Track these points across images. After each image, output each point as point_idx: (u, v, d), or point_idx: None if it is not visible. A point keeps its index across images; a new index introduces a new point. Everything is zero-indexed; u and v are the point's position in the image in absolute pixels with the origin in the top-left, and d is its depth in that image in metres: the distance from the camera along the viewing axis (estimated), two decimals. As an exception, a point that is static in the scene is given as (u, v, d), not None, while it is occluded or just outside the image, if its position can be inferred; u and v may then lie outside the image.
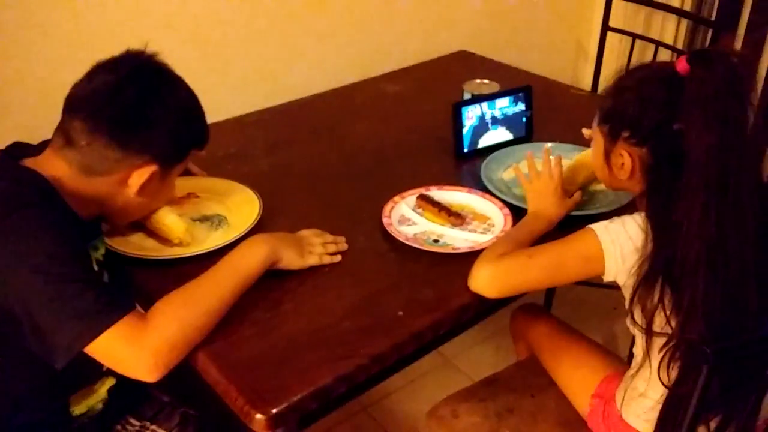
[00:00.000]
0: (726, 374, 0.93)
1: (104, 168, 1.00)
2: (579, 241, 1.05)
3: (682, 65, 0.97)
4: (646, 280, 0.99)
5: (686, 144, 0.94)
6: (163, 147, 1.03)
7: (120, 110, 0.98)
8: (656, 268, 0.98)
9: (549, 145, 1.43)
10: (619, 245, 1.02)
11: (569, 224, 1.21)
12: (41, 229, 0.91)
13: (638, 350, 1.11)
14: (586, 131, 1.20)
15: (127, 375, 0.93)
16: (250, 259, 1.05)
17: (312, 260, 1.13)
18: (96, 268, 1.03)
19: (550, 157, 1.27)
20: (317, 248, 1.15)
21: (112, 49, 1.02)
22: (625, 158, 1.04)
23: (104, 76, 1.00)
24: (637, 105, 1.01)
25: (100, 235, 1.12)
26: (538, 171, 1.27)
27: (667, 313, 0.98)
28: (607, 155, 1.07)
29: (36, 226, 0.91)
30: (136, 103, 0.99)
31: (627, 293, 1.05)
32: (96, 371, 1.06)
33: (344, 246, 1.19)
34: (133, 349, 0.90)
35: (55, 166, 0.99)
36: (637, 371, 1.10)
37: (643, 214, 1.03)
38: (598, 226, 1.04)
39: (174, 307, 0.95)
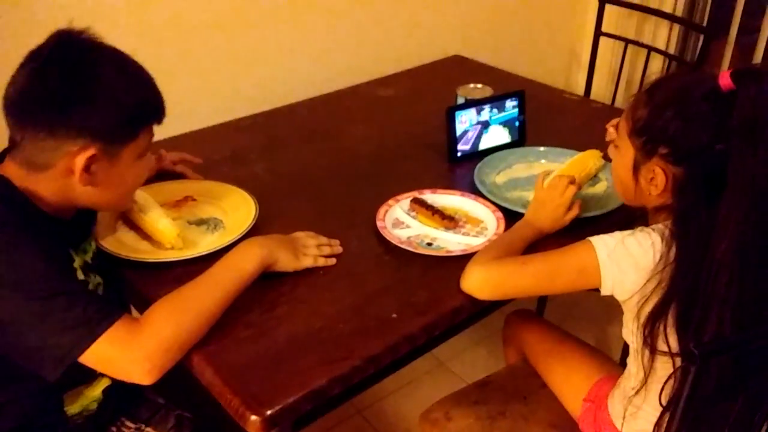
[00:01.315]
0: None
1: (44, 161, 0.94)
2: (575, 253, 1.04)
3: (725, 81, 0.93)
4: (663, 303, 0.96)
5: (730, 167, 0.91)
6: (97, 126, 0.94)
7: (42, 95, 0.92)
8: (676, 292, 0.95)
9: (543, 161, 1.46)
10: (617, 261, 1.00)
11: (564, 228, 1.23)
12: (18, 248, 0.89)
13: (634, 364, 1.09)
14: (611, 132, 1.14)
15: (123, 379, 0.94)
16: (245, 262, 1.05)
17: (307, 262, 1.14)
18: (83, 272, 1.03)
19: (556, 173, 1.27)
20: (312, 250, 1.16)
21: (113, 43, 1.02)
22: (659, 175, 1.00)
23: (29, 65, 0.94)
24: (679, 122, 0.96)
25: (89, 237, 1.11)
26: (558, 182, 1.24)
27: (680, 339, 0.96)
28: (637, 168, 1.03)
29: (12, 244, 0.89)
30: (59, 84, 0.92)
31: (629, 309, 1.04)
32: (91, 371, 1.06)
33: (339, 249, 1.20)
34: (128, 353, 0.91)
35: (12, 172, 0.96)
36: (638, 392, 1.08)
37: (647, 230, 1.01)
38: (596, 240, 1.02)
39: (169, 310, 0.96)
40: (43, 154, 0.94)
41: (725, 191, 0.92)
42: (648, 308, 0.99)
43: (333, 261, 1.17)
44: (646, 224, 1.06)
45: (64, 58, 0.93)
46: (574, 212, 1.23)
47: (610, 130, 1.16)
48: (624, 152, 1.06)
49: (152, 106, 1.01)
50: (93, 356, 0.90)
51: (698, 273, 0.93)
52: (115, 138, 0.96)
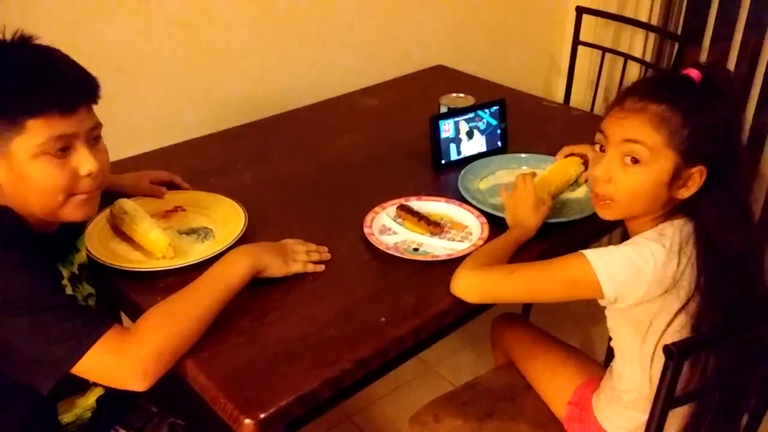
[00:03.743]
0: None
1: None
2: (566, 264, 1.06)
3: (695, 73, 1.02)
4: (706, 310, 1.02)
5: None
6: None
7: None
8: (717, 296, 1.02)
9: (524, 167, 1.51)
10: (618, 273, 1.02)
11: (546, 231, 1.26)
12: (4, 266, 0.90)
13: (627, 367, 1.13)
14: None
15: (117, 387, 0.96)
16: (234, 270, 1.07)
17: (296, 267, 1.15)
18: (71, 285, 1.04)
19: (523, 172, 1.33)
20: (301, 255, 1.17)
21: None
22: (696, 177, 1.02)
23: None
24: (722, 125, 1.02)
25: (72, 250, 1.12)
26: (517, 181, 1.30)
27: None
28: (676, 176, 1.02)
29: (2, 269, 0.90)
30: None
31: (625, 315, 1.08)
32: (84, 381, 1.08)
33: (327, 255, 1.22)
34: (121, 361, 0.93)
35: None
36: (632, 391, 1.12)
37: (640, 241, 1.04)
38: (590, 254, 1.04)
39: (159, 318, 0.98)
40: None
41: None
42: (662, 313, 1.03)
43: (321, 267, 1.19)
44: (623, 230, 1.11)
45: None
46: (549, 201, 1.30)
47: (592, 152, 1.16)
48: (658, 166, 1.02)
49: (25, 94, 0.91)
50: (85, 367, 0.91)
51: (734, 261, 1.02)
52: None
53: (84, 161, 0.96)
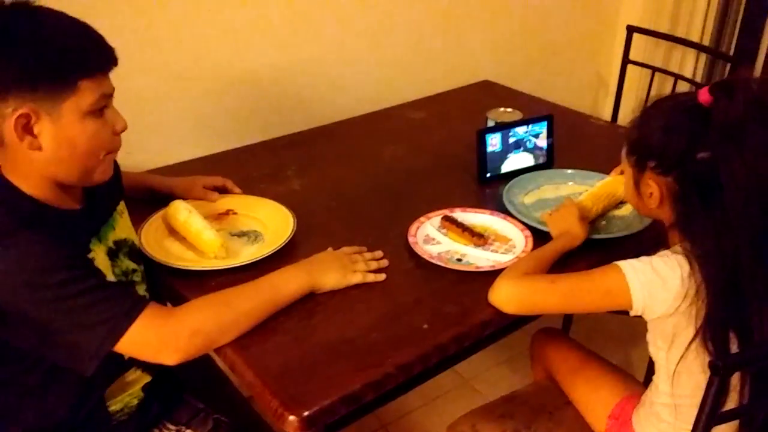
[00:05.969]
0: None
1: None
2: (603, 275, 1.07)
3: (704, 96, 1.00)
4: (711, 318, 0.99)
5: (722, 172, 0.96)
6: (19, 80, 0.90)
7: None
8: (716, 303, 0.99)
9: (570, 183, 1.52)
10: (646, 283, 1.03)
11: (589, 247, 1.27)
12: (36, 252, 0.91)
13: (663, 381, 1.12)
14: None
15: (149, 360, 1.00)
16: (290, 284, 1.11)
17: (355, 279, 1.18)
18: (108, 258, 1.06)
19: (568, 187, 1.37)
20: (360, 265, 1.20)
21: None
22: (653, 188, 1.07)
23: None
24: (661, 135, 1.03)
25: (106, 222, 1.11)
26: (557, 206, 1.33)
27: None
28: (637, 185, 1.10)
29: (29, 250, 0.91)
30: None
31: (657, 327, 1.08)
32: (121, 360, 1.10)
33: (385, 262, 1.23)
34: (156, 334, 0.97)
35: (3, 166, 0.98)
36: (666, 405, 1.12)
37: (670, 253, 1.04)
38: (624, 264, 1.05)
39: (206, 302, 1.03)
40: None
41: (723, 195, 0.97)
42: (687, 327, 1.02)
43: (383, 276, 1.20)
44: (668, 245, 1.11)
45: None
46: (590, 218, 1.32)
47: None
48: (626, 172, 1.13)
49: (81, 54, 0.94)
50: (125, 344, 0.95)
51: (725, 275, 0.98)
52: (46, 92, 0.91)
53: (118, 118, 1.01)
